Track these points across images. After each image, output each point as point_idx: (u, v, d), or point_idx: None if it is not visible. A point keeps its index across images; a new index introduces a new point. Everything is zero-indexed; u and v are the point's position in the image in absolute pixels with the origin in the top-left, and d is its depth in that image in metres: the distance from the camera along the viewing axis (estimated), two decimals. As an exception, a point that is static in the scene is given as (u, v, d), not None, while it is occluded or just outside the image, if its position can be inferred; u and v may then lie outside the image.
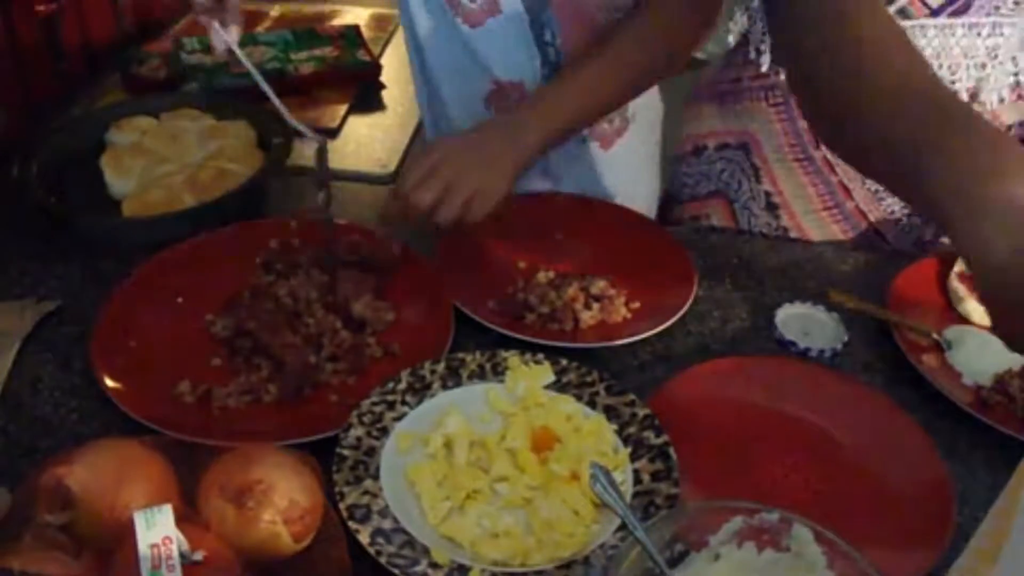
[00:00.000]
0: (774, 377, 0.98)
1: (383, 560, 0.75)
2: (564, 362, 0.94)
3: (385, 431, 0.87)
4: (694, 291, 1.07)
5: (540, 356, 0.94)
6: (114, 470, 0.71)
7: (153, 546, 0.63)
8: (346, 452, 0.83)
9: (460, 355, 0.94)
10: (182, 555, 0.64)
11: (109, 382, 0.91)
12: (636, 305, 1.07)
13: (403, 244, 1.10)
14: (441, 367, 0.93)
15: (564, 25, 1.17)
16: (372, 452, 0.85)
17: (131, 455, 0.73)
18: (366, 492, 0.80)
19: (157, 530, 0.64)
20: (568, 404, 0.90)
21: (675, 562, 0.72)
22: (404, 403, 0.90)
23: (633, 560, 0.69)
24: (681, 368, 0.98)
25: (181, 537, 0.65)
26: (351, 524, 0.77)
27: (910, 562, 0.80)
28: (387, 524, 0.78)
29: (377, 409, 0.88)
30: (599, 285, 1.06)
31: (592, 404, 0.90)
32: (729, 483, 0.86)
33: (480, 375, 0.93)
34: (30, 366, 0.96)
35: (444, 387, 0.92)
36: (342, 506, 0.78)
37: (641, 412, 0.89)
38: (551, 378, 0.92)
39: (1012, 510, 0.62)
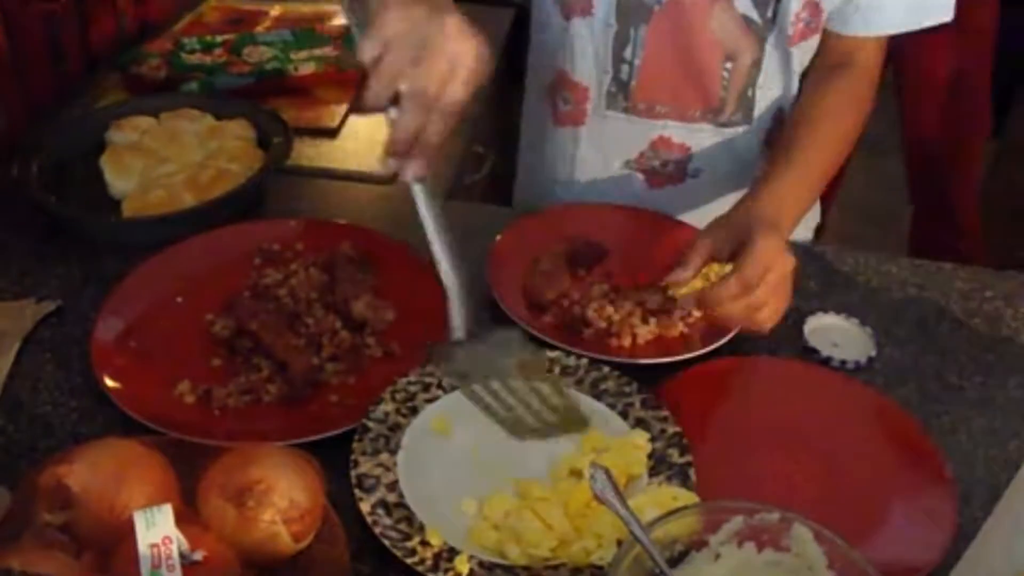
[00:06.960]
0: (774, 377, 0.98)
1: (377, 531, 0.76)
2: (606, 369, 0.93)
3: (415, 410, 0.88)
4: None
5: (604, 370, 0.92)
6: (114, 470, 0.71)
7: (153, 546, 0.63)
8: (371, 424, 0.85)
9: None
10: (182, 555, 0.64)
11: (109, 382, 0.91)
12: (691, 319, 1.01)
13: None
14: None
15: (651, 48, 1.11)
16: (396, 428, 0.86)
17: (131, 455, 0.73)
18: (380, 464, 0.82)
19: (157, 530, 0.64)
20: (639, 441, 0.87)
21: (675, 562, 0.72)
22: (440, 387, 0.91)
23: (633, 560, 0.69)
24: (681, 368, 0.97)
25: (181, 537, 0.65)
26: (357, 492, 0.78)
27: (910, 562, 0.80)
28: (392, 497, 0.80)
29: (412, 388, 0.90)
30: (656, 299, 1.00)
31: (625, 415, 0.90)
32: (729, 483, 0.86)
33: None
34: (30, 366, 0.96)
35: None
36: (353, 473, 0.80)
37: (671, 429, 0.87)
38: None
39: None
